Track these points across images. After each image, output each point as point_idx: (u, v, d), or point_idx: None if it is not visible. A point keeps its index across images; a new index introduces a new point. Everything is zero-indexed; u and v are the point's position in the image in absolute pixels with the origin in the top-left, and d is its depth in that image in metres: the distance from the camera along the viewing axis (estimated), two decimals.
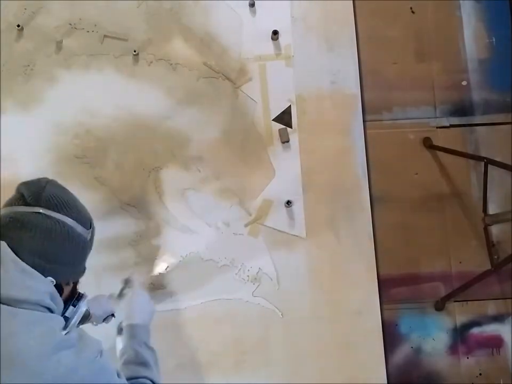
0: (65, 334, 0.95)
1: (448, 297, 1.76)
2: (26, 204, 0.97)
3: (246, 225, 1.76)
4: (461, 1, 1.98)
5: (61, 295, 1.01)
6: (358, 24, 1.91)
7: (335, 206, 1.78)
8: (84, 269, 1.09)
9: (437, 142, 1.87)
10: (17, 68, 1.80)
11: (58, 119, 1.77)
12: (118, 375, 1.05)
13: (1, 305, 0.89)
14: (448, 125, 1.90)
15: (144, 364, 1.23)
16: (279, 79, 1.84)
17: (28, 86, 1.79)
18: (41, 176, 1.04)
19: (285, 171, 1.79)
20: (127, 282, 1.47)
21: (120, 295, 1.43)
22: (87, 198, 1.73)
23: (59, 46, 1.82)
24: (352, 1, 1.92)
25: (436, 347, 1.76)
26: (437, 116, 1.91)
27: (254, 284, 1.72)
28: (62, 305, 1.01)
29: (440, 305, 1.78)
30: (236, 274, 1.72)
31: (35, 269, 0.94)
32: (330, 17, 1.90)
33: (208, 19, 1.86)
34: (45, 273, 0.95)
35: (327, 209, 1.78)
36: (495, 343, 1.77)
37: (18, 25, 1.79)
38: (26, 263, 0.93)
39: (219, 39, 1.85)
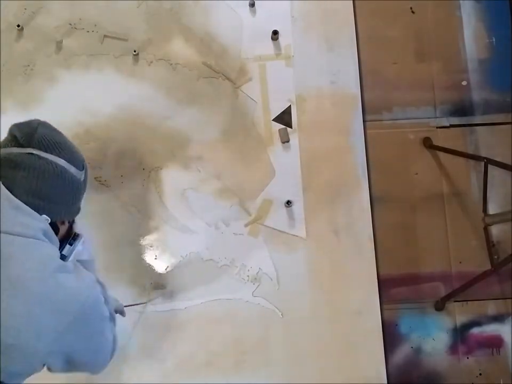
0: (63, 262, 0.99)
1: (448, 297, 1.76)
2: (19, 145, 0.99)
3: (246, 225, 1.76)
4: (461, 1, 1.98)
5: (56, 234, 1.04)
6: (358, 24, 1.91)
7: (335, 206, 1.78)
8: (79, 209, 1.12)
9: (437, 142, 1.87)
10: (17, 68, 1.80)
11: (58, 119, 1.73)
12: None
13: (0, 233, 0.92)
14: (448, 125, 1.90)
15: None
16: (279, 79, 1.84)
17: (28, 86, 1.79)
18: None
19: (285, 171, 1.79)
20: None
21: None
22: (87, 198, 1.74)
23: (59, 46, 1.82)
24: (352, 1, 1.92)
25: (436, 347, 1.76)
26: (437, 116, 1.91)
27: (254, 284, 1.72)
28: (57, 243, 1.04)
29: (440, 305, 1.78)
30: (236, 274, 1.72)
31: (30, 207, 0.96)
32: (330, 17, 1.90)
33: (208, 19, 1.86)
34: (39, 211, 0.98)
35: (327, 209, 1.78)
36: (495, 343, 1.77)
37: (18, 25, 1.79)
38: (20, 200, 0.96)
39: (219, 39, 1.85)
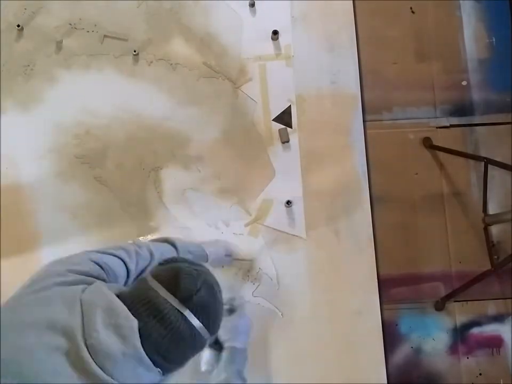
0: None
1: (448, 297, 1.76)
2: (177, 297, 0.91)
3: (246, 225, 1.76)
4: (461, 1, 1.98)
5: None
6: (358, 24, 1.91)
7: (335, 206, 1.78)
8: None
9: (437, 142, 1.87)
10: (17, 68, 1.80)
11: (58, 119, 1.77)
12: None
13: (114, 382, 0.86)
14: (448, 125, 1.90)
15: None
16: (279, 79, 1.84)
17: (28, 86, 1.79)
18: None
19: (285, 171, 1.79)
20: (232, 299, 1.44)
21: (230, 310, 1.41)
22: (87, 198, 1.74)
23: (59, 46, 1.82)
24: (352, 1, 1.92)
25: (436, 347, 1.76)
26: (437, 116, 1.91)
27: (254, 283, 1.72)
28: None
29: (440, 305, 1.78)
30: (236, 274, 1.72)
31: (151, 361, 0.90)
32: (330, 17, 1.90)
33: (208, 19, 1.86)
34: (156, 365, 0.91)
35: (327, 209, 1.78)
36: (495, 343, 1.77)
37: (18, 25, 1.79)
38: (146, 354, 0.89)
39: (219, 39, 1.85)
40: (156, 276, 0.94)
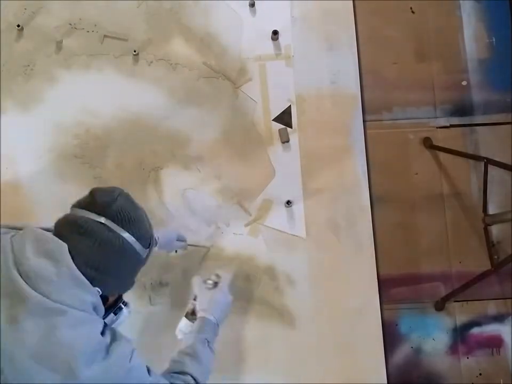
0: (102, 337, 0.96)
1: (448, 297, 1.76)
2: (94, 211, 0.97)
3: (246, 225, 1.76)
4: (461, 1, 1.98)
5: (105, 304, 1.01)
6: (358, 24, 1.91)
7: (335, 206, 1.78)
8: (133, 283, 1.09)
9: (437, 142, 1.87)
10: (17, 68, 1.80)
11: (58, 119, 1.77)
12: (149, 372, 1.06)
13: (54, 303, 0.90)
14: (448, 125, 1.90)
15: (196, 360, 1.23)
16: (279, 79, 1.84)
17: (28, 86, 1.79)
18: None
19: (285, 171, 1.79)
20: (217, 277, 1.46)
21: (205, 283, 1.44)
22: None
23: (59, 46, 1.82)
24: (352, 1, 1.92)
25: (436, 347, 1.76)
26: (437, 116, 1.91)
27: (254, 284, 1.72)
28: (103, 312, 1.01)
29: (440, 305, 1.78)
30: (236, 274, 1.72)
31: (86, 277, 0.94)
32: (330, 17, 1.90)
33: (208, 19, 1.86)
34: (93, 282, 0.95)
35: (327, 209, 1.78)
36: (495, 343, 1.77)
37: (18, 25, 1.80)
38: (79, 270, 0.93)
39: (219, 39, 1.86)
40: (75, 204, 1.01)
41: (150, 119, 1.79)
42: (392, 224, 1.82)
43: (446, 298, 1.76)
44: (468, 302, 1.79)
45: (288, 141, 1.80)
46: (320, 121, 1.83)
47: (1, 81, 1.78)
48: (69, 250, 0.94)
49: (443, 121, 1.90)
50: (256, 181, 1.78)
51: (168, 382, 1.11)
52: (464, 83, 1.93)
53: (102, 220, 0.97)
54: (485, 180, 1.71)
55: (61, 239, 0.95)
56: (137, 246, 1.00)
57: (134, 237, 0.99)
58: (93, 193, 1.02)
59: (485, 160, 1.70)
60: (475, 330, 1.78)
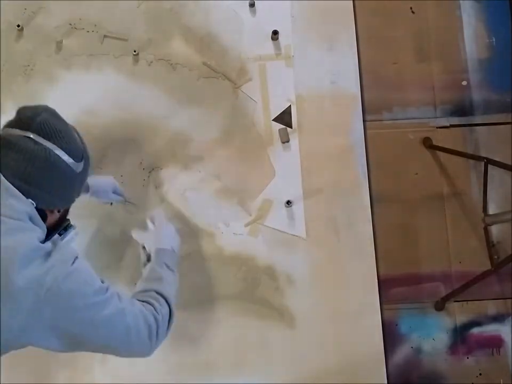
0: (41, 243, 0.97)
1: (448, 297, 1.76)
2: (20, 127, 1.00)
3: (246, 225, 1.76)
4: (461, 1, 1.98)
5: (44, 221, 1.02)
6: (358, 24, 1.91)
7: (335, 206, 1.78)
8: (71, 200, 1.10)
9: (437, 142, 1.87)
10: (17, 67, 1.80)
11: None
12: (102, 281, 1.05)
13: None
14: (448, 125, 1.90)
15: (157, 279, 1.23)
16: (279, 79, 1.84)
17: (28, 86, 1.79)
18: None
19: (285, 171, 1.79)
20: (152, 219, 1.49)
21: (145, 230, 1.47)
22: (86, 198, 1.73)
23: (59, 46, 1.82)
24: (352, 1, 1.92)
25: (436, 347, 1.76)
26: (437, 116, 1.91)
27: (254, 284, 1.72)
28: (44, 228, 1.02)
29: (440, 305, 1.78)
30: (236, 274, 1.72)
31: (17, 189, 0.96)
32: (330, 17, 1.90)
33: (208, 19, 1.86)
34: (25, 195, 0.97)
35: (327, 209, 1.78)
36: (495, 343, 1.77)
37: (18, 25, 1.80)
38: (10, 183, 0.96)
39: (219, 39, 1.86)
40: (4, 125, 1.03)
41: (150, 119, 1.79)
42: (392, 224, 1.82)
43: (446, 298, 1.76)
44: (468, 302, 1.79)
45: (288, 141, 1.80)
46: (320, 121, 1.83)
47: (1, 81, 1.78)
48: None
49: (443, 121, 1.90)
50: (256, 181, 1.78)
51: (130, 305, 1.09)
52: (464, 83, 1.93)
53: (27, 133, 0.99)
54: (485, 179, 1.71)
55: None
56: (66, 158, 1.02)
57: (62, 149, 1.02)
58: (18, 111, 1.04)
59: (485, 160, 1.70)
60: (475, 330, 1.78)
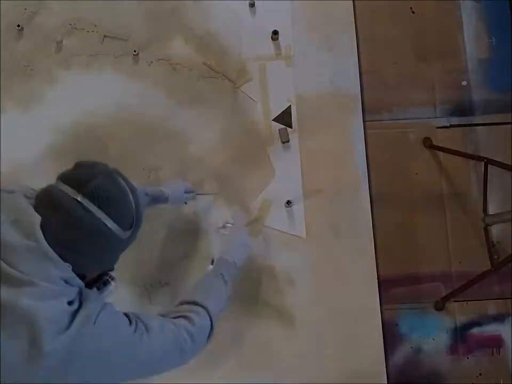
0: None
1: (448, 297, 1.76)
2: (73, 186, 0.93)
3: (246, 225, 1.75)
4: (461, 1, 1.98)
5: (82, 279, 0.97)
6: (358, 24, 1.91)
7: (335, 206, 1.78)
8: (113, 264, 1.05)
9: (437, 142, 1.87)
10: (17, 68, 1.80)
11: (58, 119, 1.77)
12: (130, 320, 1.01)
13: (19, 273, 0.87)
14: (448, 125, 1.90)
15: (206, 290, 1.22)
16: (279, 79, 1.84)
17: (28, 86, 1.79)
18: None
19: (285, 171, 1.79)
20: (232, 219, 1.51)
21: (224, 227, 1.49)
22: None
23: (59, 46, 1.82)
24: (352, 1, 1.92)
25: (436, 347, 1.76)
26: (437, 116, 1.91)
27: (254, 284, 1.72)
28: (82, 286, 0.97)
29: (440, 305, 1.78)
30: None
31: (56, 253, 0.90)
32: (330, 17, 1.90)
33: (208, 19, 1.86)
34: (64, 259, 0.91)
35: (327, 209, 1.78)
36: (495, 343, 1.77)
37: (18, 25, 1.80)
38: (49, 245, 0.90)
39: (219, 39, 1.86)
40: (59, 176, 0.98)
41: (150, 119, 1.79)
42: (392, 224, 1.82)
43: (446, 298, 1.76)
44: (468, 302, 1.79)
45: (288, 141, 1.80)
46: (320, 121, 1.83)
47: (1, 81, 1.78)
48: (41, 224, 0.90)
49: (443, 121, 1.90)
50: (256, 181, 1.78)
51: (169, 324, 1.07)
52: (464, 83, 1.93)
53: (78, 197, 0.92)
54: (485, 180, 1.71)
55: (37, 211, 0.92)
56: (114, 227, 0.95)
57: (110, 217, 0.94)
58: (75, 167, 0.99)
59: (485, 160, 1.70)
60: (475, 330, 1.78)
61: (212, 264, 1.36)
